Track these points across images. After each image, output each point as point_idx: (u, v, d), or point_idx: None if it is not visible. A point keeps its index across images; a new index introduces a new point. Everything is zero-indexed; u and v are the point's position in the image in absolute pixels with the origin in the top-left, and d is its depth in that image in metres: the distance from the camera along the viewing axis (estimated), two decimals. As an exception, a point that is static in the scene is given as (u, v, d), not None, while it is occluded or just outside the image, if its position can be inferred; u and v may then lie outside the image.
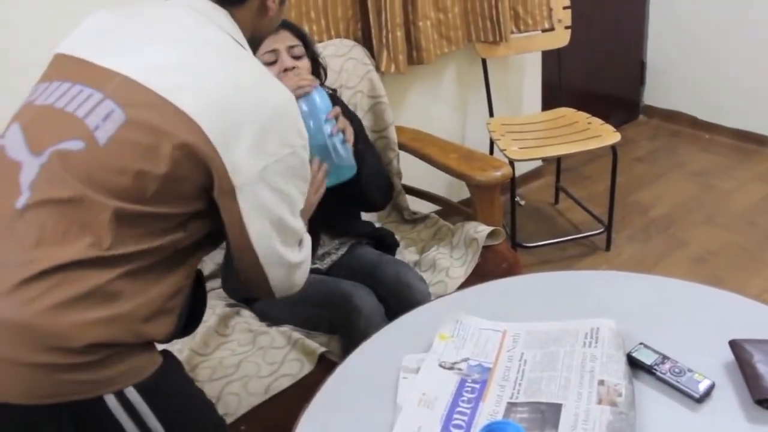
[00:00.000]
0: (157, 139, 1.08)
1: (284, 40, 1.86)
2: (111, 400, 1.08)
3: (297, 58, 1.87)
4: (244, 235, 1.21)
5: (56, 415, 1.06)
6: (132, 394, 1.10)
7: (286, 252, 1.28)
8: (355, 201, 2.04)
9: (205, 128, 1.09)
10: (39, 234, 1.06)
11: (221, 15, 1.24)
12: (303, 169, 1.26)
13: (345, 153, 1.77)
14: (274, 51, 1.84)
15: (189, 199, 1.15)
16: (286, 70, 1.82)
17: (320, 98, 1.75)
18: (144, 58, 1.15)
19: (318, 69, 2.01)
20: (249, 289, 1.36)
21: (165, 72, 1.13)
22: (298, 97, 1.71)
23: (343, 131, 1.77)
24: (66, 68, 1.20)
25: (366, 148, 2.03)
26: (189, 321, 1.26)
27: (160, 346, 1.23)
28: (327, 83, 2.08)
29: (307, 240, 1.38)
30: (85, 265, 1.06)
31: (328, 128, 1.74)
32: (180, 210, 1.14)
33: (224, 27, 1.23)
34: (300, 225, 1.32)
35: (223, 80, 1.14)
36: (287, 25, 1.90)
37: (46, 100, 1.16)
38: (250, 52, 1.27)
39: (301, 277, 1.37)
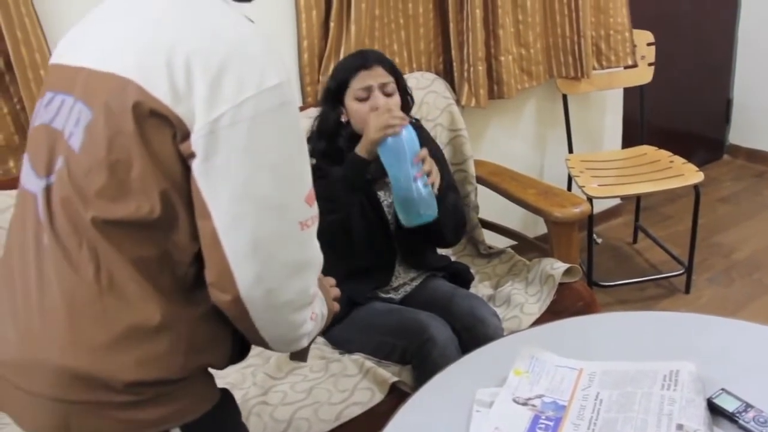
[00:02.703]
0: (115, 123, 0.99)
1: (377, 77, 1.90)
2: None
3: (389, 95, 1.91)
4: (205, 212, 1.00)
5: None
6: None
7: (273, 255, 1.04)
8: (426, 237, 2.04)
9: (145, 85, 0.97)
10: (61, 276, 1.04)
11: None
12: (285, 116, 1.03)
13: (428, 197, 1.80)
14: (368, 88, 1.89)
15: (176, 177, 1.01)
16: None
17: (408, 139, 1.78)
18: (99, 43, 1.07)
19: (407, 102, 2.05)
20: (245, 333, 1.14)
21: (114, 48, 1.04)
22: (387, 137, 1.76)
23: (428, 173, 1.80)
24: (52, 78, 1.16)
25: (447, 184, 2.04)
26: (245, 342, 1.18)
27: (220, 376, 1.21)
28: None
29: (319, 264, 1.13)
30: (109, 306, 1.02)
31: (413, 172, 1.77)
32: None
33: None
34: (306, 213, 1.07)
35: (163, 32, 1.01)
36: (381, 61, 1.93)
37: (39, 120, 1.13)
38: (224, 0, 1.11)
39: (304, 318, 1.12)
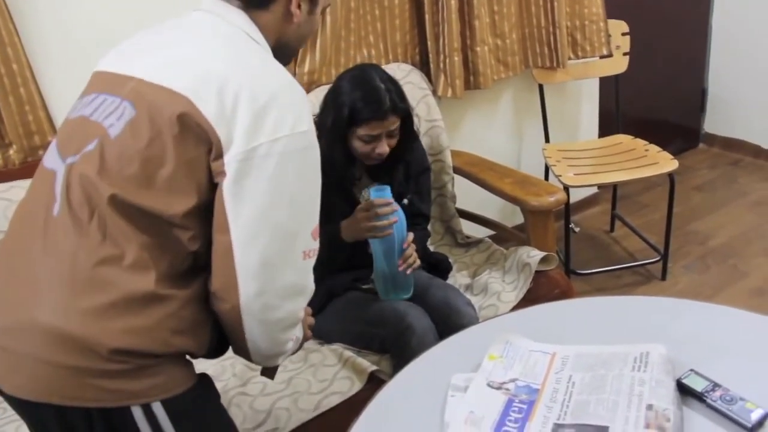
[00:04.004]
0: (159, 124, 1.11)
1: (387, 126, 1.87)
2: (137, 412, 1.12)
3: (392, 136, 1.91)
4: (224, 228, 1.13)
5: (88, 418, 1.11)
6: (158, 409, 1.13)
7: (276, 275, 1.17)
8: None
9: (196, 101, 1.10)
10: (66, 242, 1.12)
11: (237, 15, 1.26)
12: (308, 158, 1.18)
13: (405, 281, 1.89)
14: (376, 136, 1.86)
15: (201, 186, 1.13)
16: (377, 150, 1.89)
17: (397, 232, 1.80)
18: (155, 60, 1.20)
19: (412, 134, 2.04)
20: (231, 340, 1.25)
21: (169, 67, 1.17)
22: (372, 238, 1.81)
23: (409, 256, 1.87)
24: (96, 83, 1.28)
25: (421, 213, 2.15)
26: (222, 339, 1.26)
27: (199, 367, 1.26)
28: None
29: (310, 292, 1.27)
30: (108, 274, 1.10)
31: (397, 258, 1.84)
32: (186, 204, 1.13)
33: (237, 24, 1.25)
34: (310, 244, 1.21)
35: (219, 62, 1.16)
36: (395, 109, 1.86)
37: (77, 113, 1.24)
38: (265, 47, 1.28)
39: (289, 337, 1.26)
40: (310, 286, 1.25)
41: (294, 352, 1.36)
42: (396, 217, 1.79)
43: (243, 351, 1.24)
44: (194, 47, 1.21)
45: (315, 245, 1.23)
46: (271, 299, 1.17)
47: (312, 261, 1.23)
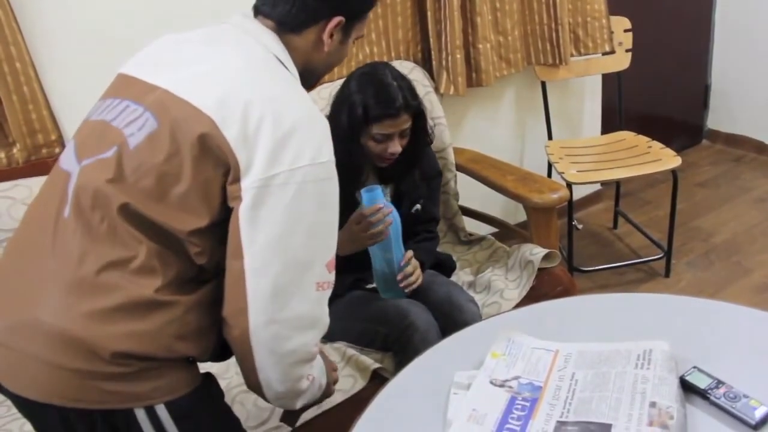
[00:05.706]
0: (179, 142, 1.11)
1: (400, 125, 1.85)
2: (140, 414, 1.12)
3: (404, 136, 1.90)
4: (238, 253, 1.12)
5: (90, 420, 1.12)
6: (162, 411, 1.14)
7: (287, 305, 1.15)
8: None
9: (219, 123, 1.09)
10: (75, 243, 1.12)
11: (268, 36, 1.26)
12: (326, 189, 1.17)
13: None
14: (388, 135, 1.85)
15: (213, 208, 1.13)
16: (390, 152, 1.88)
17: (393, 230, 1.80)
18: (181, 73, 1.19)
19: (426, 135, 2.04)
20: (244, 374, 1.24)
21: (196, 82, 1.16)
22: (372, 244, 1.81)
23: (411, 274, 1.88)
24: (120, 86, 1.27)
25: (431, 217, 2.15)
26: (225, 343, 1.25)
27: (202, 366, 1.26)
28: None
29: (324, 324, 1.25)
30: (113, 277, 1.10)
31: (397, 257, 1.84)
32: (196, 224, 1.13)
33: (268, 46, 1.25)
34: (324, 276, 1.19)
35: (246, 85, 1.15)
36: (407, 106, 1.85)
37: (98, 116, 1.24)
38: (293, 73, 1.28)
39: (302, 373, 1.24)
40: (324, 320, 1.24)
41: (317, 402, 1.35)
42: (390, 218, 1.78)
43: (255, 385, 1.22)
44: (223, 66, 1.19)
45: (330, 277, 1.21)
46: (281, 329, 1.16)
47: (327, 293, 1.21)
